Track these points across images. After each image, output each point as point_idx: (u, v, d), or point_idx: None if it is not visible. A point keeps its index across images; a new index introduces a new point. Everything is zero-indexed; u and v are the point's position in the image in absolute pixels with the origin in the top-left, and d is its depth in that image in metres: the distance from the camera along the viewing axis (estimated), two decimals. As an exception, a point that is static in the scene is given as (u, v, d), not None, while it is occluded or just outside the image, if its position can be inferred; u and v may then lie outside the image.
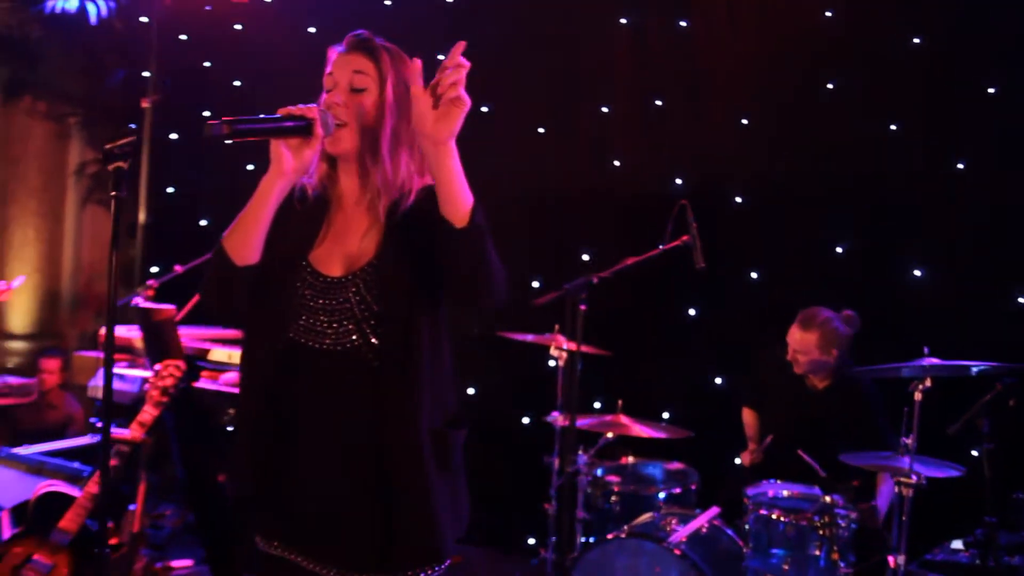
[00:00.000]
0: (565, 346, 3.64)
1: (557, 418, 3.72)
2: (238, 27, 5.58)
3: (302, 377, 1.75)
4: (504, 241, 4.94)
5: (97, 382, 4.00)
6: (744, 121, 4.33)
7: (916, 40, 3.98)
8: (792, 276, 4.19)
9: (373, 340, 1.72)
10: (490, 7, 4.83)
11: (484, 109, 4.93)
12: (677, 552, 2.92)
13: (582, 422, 3.43)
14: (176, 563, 3.87)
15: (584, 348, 3.49)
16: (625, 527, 3.20)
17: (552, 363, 3.85)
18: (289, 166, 1.70)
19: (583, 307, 3.13)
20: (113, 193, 1.67)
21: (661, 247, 3.31)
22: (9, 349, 6.16)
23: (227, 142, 1.62)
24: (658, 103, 4.52)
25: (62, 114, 6.21)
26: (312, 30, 5.26)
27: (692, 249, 3.29)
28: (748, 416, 3.88)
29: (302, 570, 1.78)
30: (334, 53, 1.82)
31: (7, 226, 6.31)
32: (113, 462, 3.13)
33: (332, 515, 1.74)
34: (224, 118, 1.60)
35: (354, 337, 1.73)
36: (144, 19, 5.73)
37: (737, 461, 3.91)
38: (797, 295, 3.78)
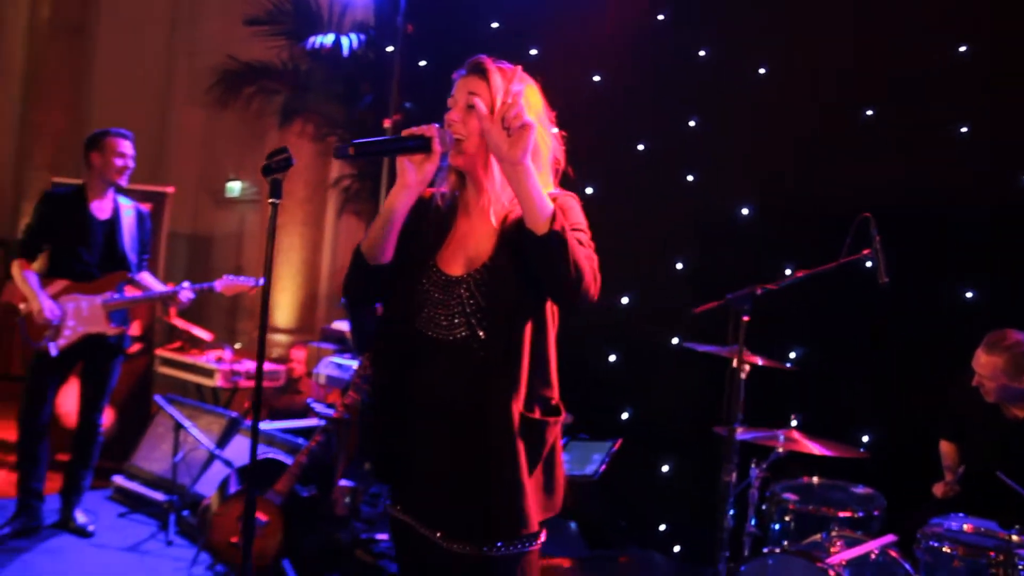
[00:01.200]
0: (758, 360, 3.61)
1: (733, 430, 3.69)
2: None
3: (421, 364, 1.98)
4: (700, 253, 4.85)
5: (318, 369, 4.55)
6: (964, 129, 4.04)
7: None
8: (1014, 297, 3.83)
9: (480, 333, 1.93)
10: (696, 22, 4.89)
11: (691, 123, 4.98)
12: (831, 573, 2.83)
13: (751, 435, 3.39)
14: (380, 536, 4.28)
15: (755, 359, 3.46)
16: (785, 543, 3.13)
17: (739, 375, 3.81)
18: (412, 179, 1.95)
19: (746, 318, 3.12)
20: (270, 200, 1.99)
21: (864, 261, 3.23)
22: (273, 341, 7.05)
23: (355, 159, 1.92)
24: (868, 113, 4.33)
25: (324, 135, 7.04)
26: (533, 52, 5.58)
27: (875, 263, 3.18)
28: (946, 447, 3.63)
29: (418, 533, 2.02)
30: (457, 77, 2.05)
31: (275, 233, 7.23)
32: (318, 439, 3.58)
33: (439, 486, 1.96)
34: (352, 141, 1.89)
35: (464, 330, 1.94)
36: (390, 48, 6.36)
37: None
38: (1017, 318, 3.48)
